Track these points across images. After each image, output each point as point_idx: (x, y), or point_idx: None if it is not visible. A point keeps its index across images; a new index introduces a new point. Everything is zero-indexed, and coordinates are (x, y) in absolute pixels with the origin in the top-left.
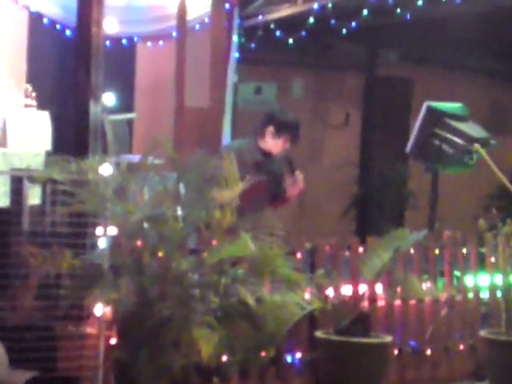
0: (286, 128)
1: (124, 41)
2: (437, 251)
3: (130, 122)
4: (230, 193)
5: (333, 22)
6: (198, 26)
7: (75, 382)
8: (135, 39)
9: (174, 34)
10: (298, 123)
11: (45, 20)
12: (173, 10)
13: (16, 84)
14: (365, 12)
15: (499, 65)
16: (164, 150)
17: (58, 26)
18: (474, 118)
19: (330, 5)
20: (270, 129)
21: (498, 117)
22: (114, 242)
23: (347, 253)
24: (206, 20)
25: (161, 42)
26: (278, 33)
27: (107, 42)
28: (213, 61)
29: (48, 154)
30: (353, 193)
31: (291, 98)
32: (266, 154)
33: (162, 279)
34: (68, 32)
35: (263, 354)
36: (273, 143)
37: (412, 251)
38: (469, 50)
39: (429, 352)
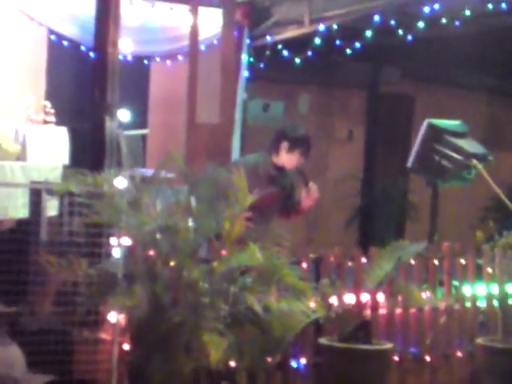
0: (299, 143)
1: (139, 60)
2: (436, 262)
3: (143, 138)
4: (240, 205)
5: (338, 42)
6: (209, 46)
7: None
8: (149, 58)
9: (187, 53)
10: (309, 138)
11: (63, 40)
12: (185, 30)
13: (35, 101)
14: (368, 32)
15: (497, 83)
16: (176, 164)
17: (76, 45)
18: (472, 134)
19: (335, 26)
20: (285, 144)
21: (495, 133)
22: (128, 252)
23: (350, 263)
24: (217, 40)
25: (174, 61)
26: (285, 52)
27: (123, 61)
28: (223, 79)
29: (65, 167)
30: (356, 205)
31: (297, 114)
32: (279, 169)
33: (174, 287)
34: (85, 51)
35: (270, 359)
36: (287, 158)
37: (412, 262)
38: (468, 68)
39: (428, 359)
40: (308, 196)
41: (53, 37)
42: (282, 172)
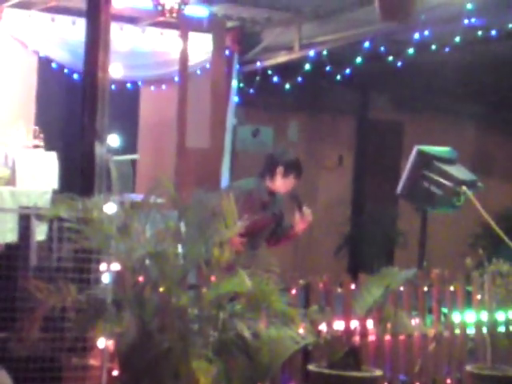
0: (294, 167)
1: (128, 85)
2: (425, 289)
3: (133, 163)
4: (229, 231)
5: (327, 68)
6: (199, 71)
7: None
8: (139, 83)
9: (176, 78)
10: (299, 163)
11: (53, 64)
12: (175, 55)
13: (25, 126)
14: (358, 59)
15: (486, 110)
16: (165, 189)
17: (65, 71)
18: (461, 162)
19: (324, 52)
20: (280, 169)
21: (484, 160)
22: (117, 278)
23: (340, 289)
24: (207, 65)
25: (163, 86)
26: (275, 78)
27: (112, 86)
28: (213, 104)
29: (55, 192)
30: (345, 232)
31: (287, 140)
32: (272, 194)
33: (163, 313)
34: (75, 76)
35: None
36: (282, 182)
37: (402, 288)
38: (457, 95)
39: None
40: (302, 220)
41: (43, 62)
42: (274, 197)
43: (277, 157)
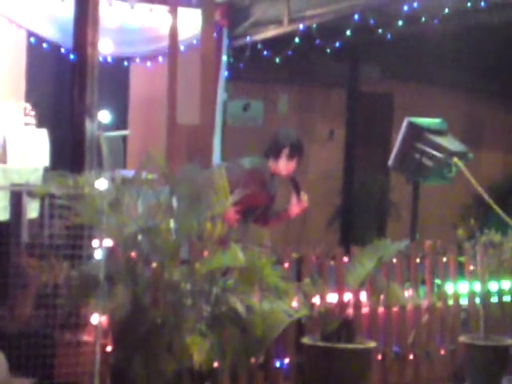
0: (299, 150)
1: (118, 60)
2: (418, 260)
3: (124, 139)
4: (221, 205)
5: (317, 41)
6: (188, 46)
7: None
8: (129, 59)
9: (166, 53)
10: (303, 146)
11: (43, 42)
12: (164, 31)
13: (15, 103)
14: (348, 32)
15: (476, 80)
16: (157, 164)
17: (55, 47)
18: (451, 132)
19: (314, 25)
20: (286, 151)
21: (474, 131)
22: (110, 253)
23: (332, 262)
24: (197, 40)
25: (153, 62)
26: (265, 52)
27: (102, 62)
28: (203, 79)
29: (46, 169)
30: (337, 204)
31: (277, 113)
32: (272, 175)
33: (155, 288)
34: (65, 52)
35: (252, 359)
36: (285, 164)
37: (394, 260)
38: (447, 66)
39: (411, 357)
40: (298, 204)
41: (32, 39)
42: (273, 178)
43: (282, 138)
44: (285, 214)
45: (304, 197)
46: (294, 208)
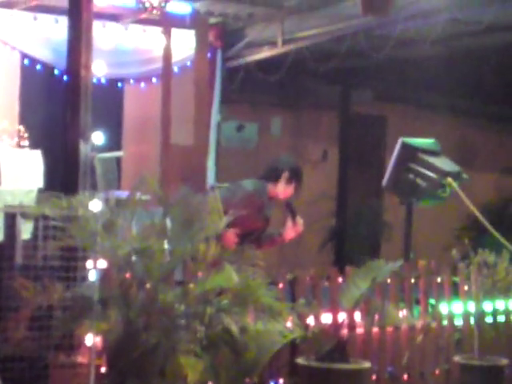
0: (297, 175)
1: (112, 82)
2: (412, 280)
3: (118, 160)
4: (214, 227)
5: (310, 63)
6: (182, 68)
7: None
8: (123, 80)
9: (160, 75)
10: (301, 172)
11: (37, 64)
12: (158, 52)
13: (9, 125)
14: (340, 54)
15: (467, 104)
16: (150, 186)
17: (49, 69)
18: (444, 154)
19: (307, 47)
20: (286, 174)
21: (466, 153)
22: (104, 275)
23: (326, 283)
24: (190, 62)
25: (147, 83)
26: (258, 74)
27: (96, 84)
28: (197, 101)
29: (40, 190)
30: (330, 226)
31: (271, 135)
32: (270, 199)
33: (149, 310)
34: (58, 74)
35: (247, 380)
36: (283, 188)
37: (388, 281)
38: (438, 89)
39: (405, 377)
40: (293, 228)
41: (26, 61)
42: (270, 202)
43: (282, 163)
44: (279, 238)
45: (299, 221)
46: (290, 232)
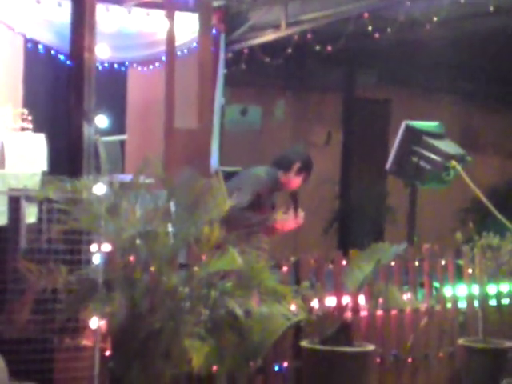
0: (307, 167)
1: (116, 65)
2: (416, 263)
3: (122, 143)
4: (218, 210)
5: (314, 46)
6: (186, 51)
7: None
8: (126, 64)
9: (164, 58)
10: (312, 164)
11: (40, 46)
12: (162, 35)
13: (13, 108)
14: (344, 36)
15: (472, 86)
16: (154, 169)
17: (52, 52)
18: (448, 137)
19: (311, 30)
20: (297, 165)
21: (470, 136)
22: (108, 258)
23: (331, 266)
24: (194, 45)
25: (151, 67)
26: (262, 57)
27: (99, 67)
28: (201, 84)
29: (44, 174)
30: (334, 209)
31: (275, 118)
32: (280, 187)
33: (153, 293)
34: (62, 58)
35: (251, 363)
36: (293, 178)
37: (392, 263)
38: (443, 72)
39: (409, 360)
40: (294, 220)
41: (29, 44)
42: (278, 191)
43: (295, 153)
44: (272, 226)
45: (301, 213)
46: (290, 223)
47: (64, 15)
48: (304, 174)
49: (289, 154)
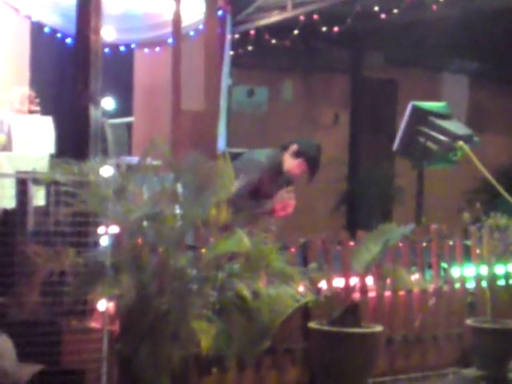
0: (303, 154)
1: (122, 47)
2: (424, 244)
3: (128, 126)
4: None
5: (320, 27)
6: (192, 33)
7: (80, 374)
8: (133, 46)
9: (170, 40)
10: (317, 161)
11: (46, 29)
12: (168, 17)
13: (19, 91)
14: (351, 17)
15: (479, 66)
16: (161, 151)
17: (58, 35)
18: (456, 117)
19: (317, 11)
20: (294, 147)
21: (478, 116)
22: (115, 240)
23: (338, 247)
24: (201, 26)
25: (157, 48)
26: (268, 38)
27: (106, 49)
28: (207, 65)
29: (51, 156)
30: (342, 190)
31: (282, 100)
32: (282, 170)
33: (161, 275)
34: (68, 40)
35: (259, 344)
36: (289, 161)
37: (400, 244)
38: (450, 52)
39: (418, 340)
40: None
41: (35, 27)
42: (280, 175)
43: (303, 140)
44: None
45: (290, 193)
46: (280, 210)
47: None
48: (300, 160)
49: (297, 139)
